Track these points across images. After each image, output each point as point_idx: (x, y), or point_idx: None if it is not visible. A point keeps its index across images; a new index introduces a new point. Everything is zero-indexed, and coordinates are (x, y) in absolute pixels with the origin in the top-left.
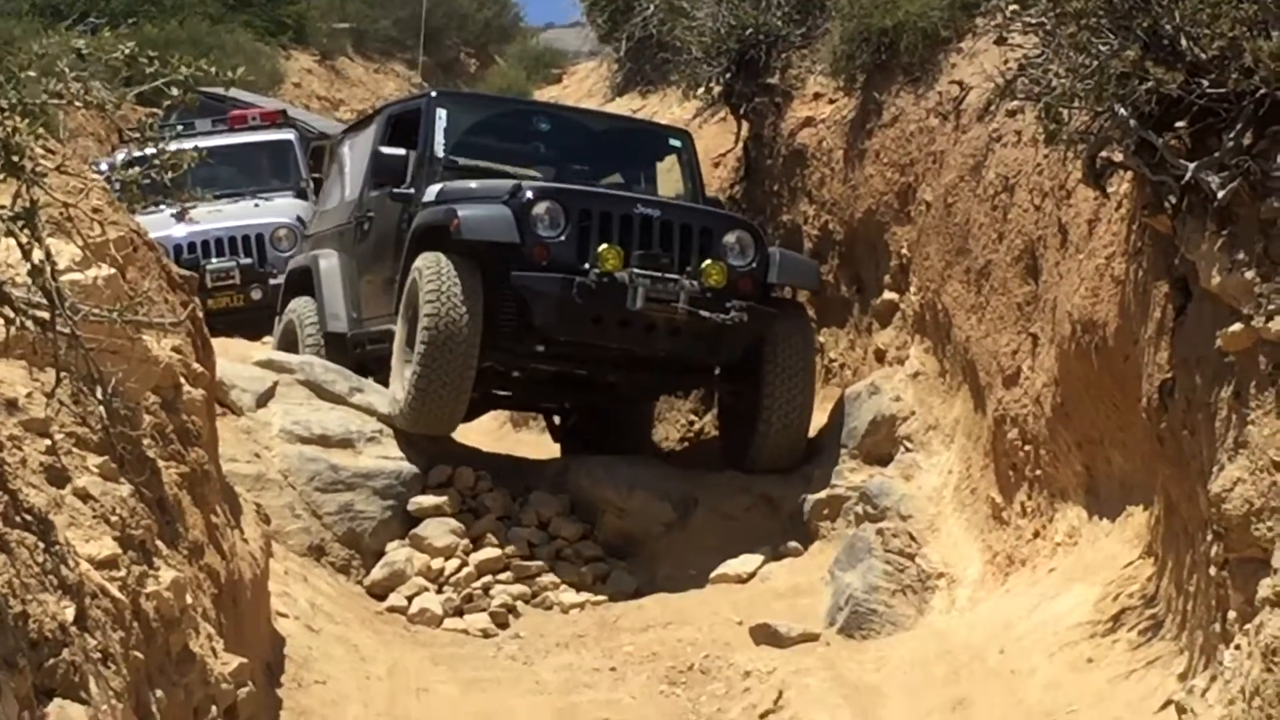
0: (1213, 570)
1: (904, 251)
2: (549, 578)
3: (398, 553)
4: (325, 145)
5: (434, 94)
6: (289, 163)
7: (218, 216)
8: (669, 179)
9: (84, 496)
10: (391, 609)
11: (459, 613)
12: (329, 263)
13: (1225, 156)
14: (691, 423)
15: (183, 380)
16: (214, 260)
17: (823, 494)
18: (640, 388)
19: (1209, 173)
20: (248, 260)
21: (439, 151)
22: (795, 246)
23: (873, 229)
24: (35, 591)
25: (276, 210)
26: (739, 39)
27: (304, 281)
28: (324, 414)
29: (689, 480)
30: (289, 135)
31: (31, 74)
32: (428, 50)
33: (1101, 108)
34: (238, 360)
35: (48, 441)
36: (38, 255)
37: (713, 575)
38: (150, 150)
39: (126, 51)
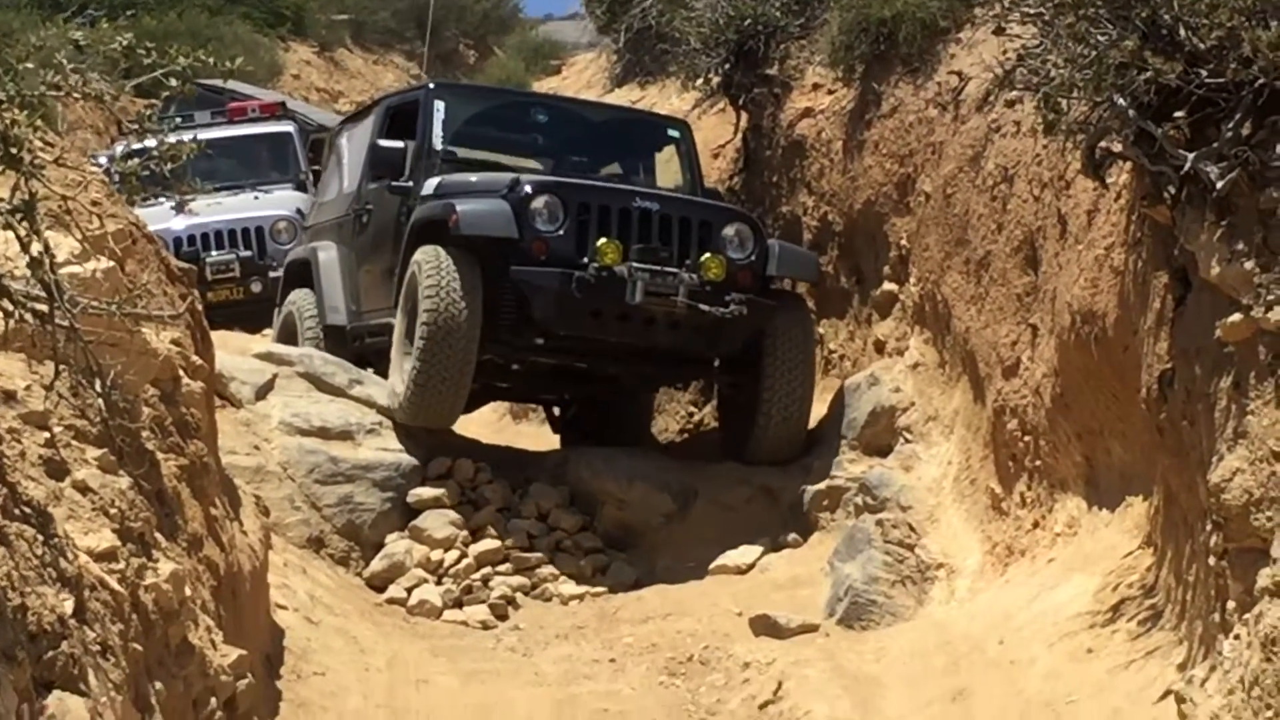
0: (1212, 560)
1: (903, 242)
2: (548, 569)
3: (397, 544)
4: (324, 137)
5: (432, 86)
6: (288, 155)
7: (217, 209)
8: (668, 170)
9: (83, 489)
10: (391, 601)
11: (458, 604)
12: (328, 255)
13: (1224, 147)
14: (691, 414)
15: (182, 373)
16: (214, 253)
17: (822, 485)
18: (640, 380)
19: (1208, 163)
20: (247, 253)
21: (437, 144)
22: (794, 238)
23: (872, 220)
24: (34, 584)
25: (276, 203)
26: (738, 30)
27: (303, 274)
28: (323, 406)
29: (689, 472)
30: (288, 127)
31: (30, 66)
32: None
33: (1100, 98)
34: (237, 353)
35: (47, 434)
36: (36, 248)
37: (712, 566)
38: (149, 142)
39: (124, 43)
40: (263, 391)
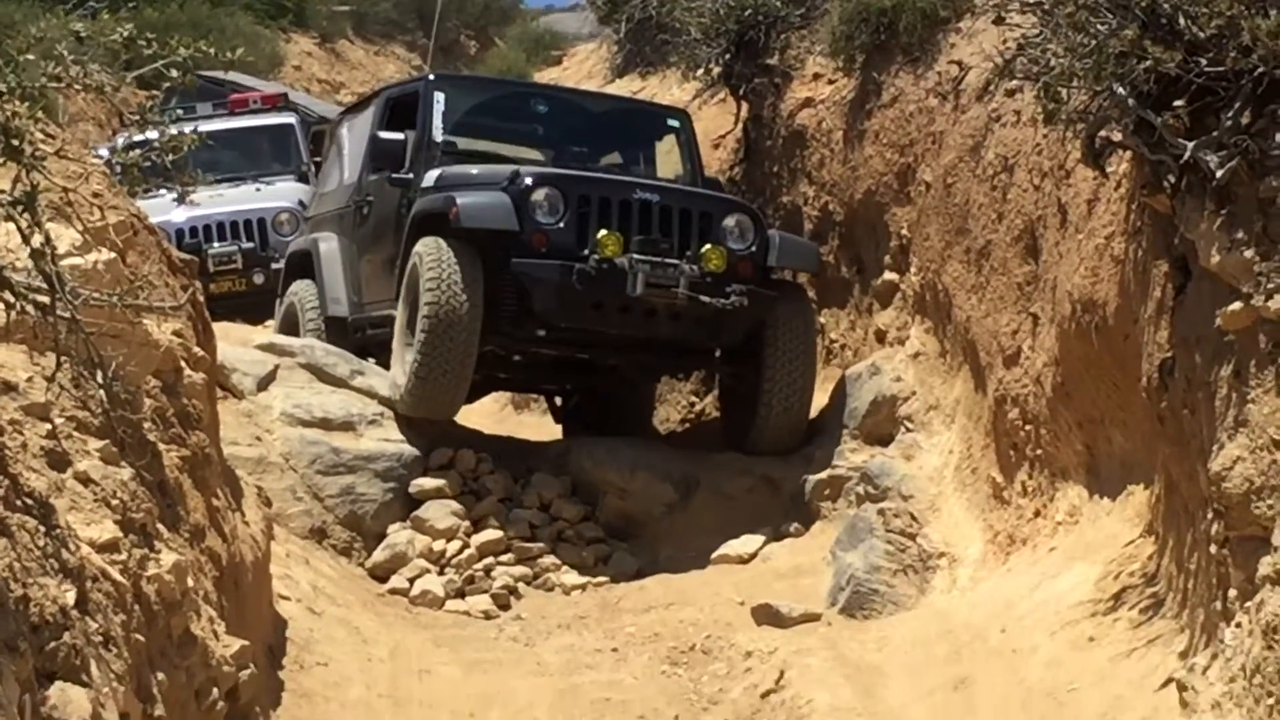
0: (1213, 548)
1: (904, 232)
2: (550, 559)
3: (399, 535)
4: (325, 129)
5: (431, 77)
6: (290, 146)
7: (219, 201)
8: (668, 160)
9: (85, 480)
10: (393, 591)
11: (460, 594)
12: (329, 246)
13: (1224, 135)
14: (693, 404)
15: (183, 364)
16: (216, 245)
17: (824, 474)
18: (641, 370)
19: (1208, 152)
20: (249, 244)
21: (437, 135)
22: (795, 228)
23: (872, 210)
24: (36, 575)
25: (278, 194)
26: (738, 20)
27: (304, 264)
28: (325, 397)
29: (690, 461)
30: (290, 119)
31: (30, 57)
32: (428, 32)
33: (1100, 87)
34: (239, 344)
35: (48, 426)
36: (38, 240)
37: (714, 556)
38: (151, 134)
39: (125, 34)
40: (264, 383)
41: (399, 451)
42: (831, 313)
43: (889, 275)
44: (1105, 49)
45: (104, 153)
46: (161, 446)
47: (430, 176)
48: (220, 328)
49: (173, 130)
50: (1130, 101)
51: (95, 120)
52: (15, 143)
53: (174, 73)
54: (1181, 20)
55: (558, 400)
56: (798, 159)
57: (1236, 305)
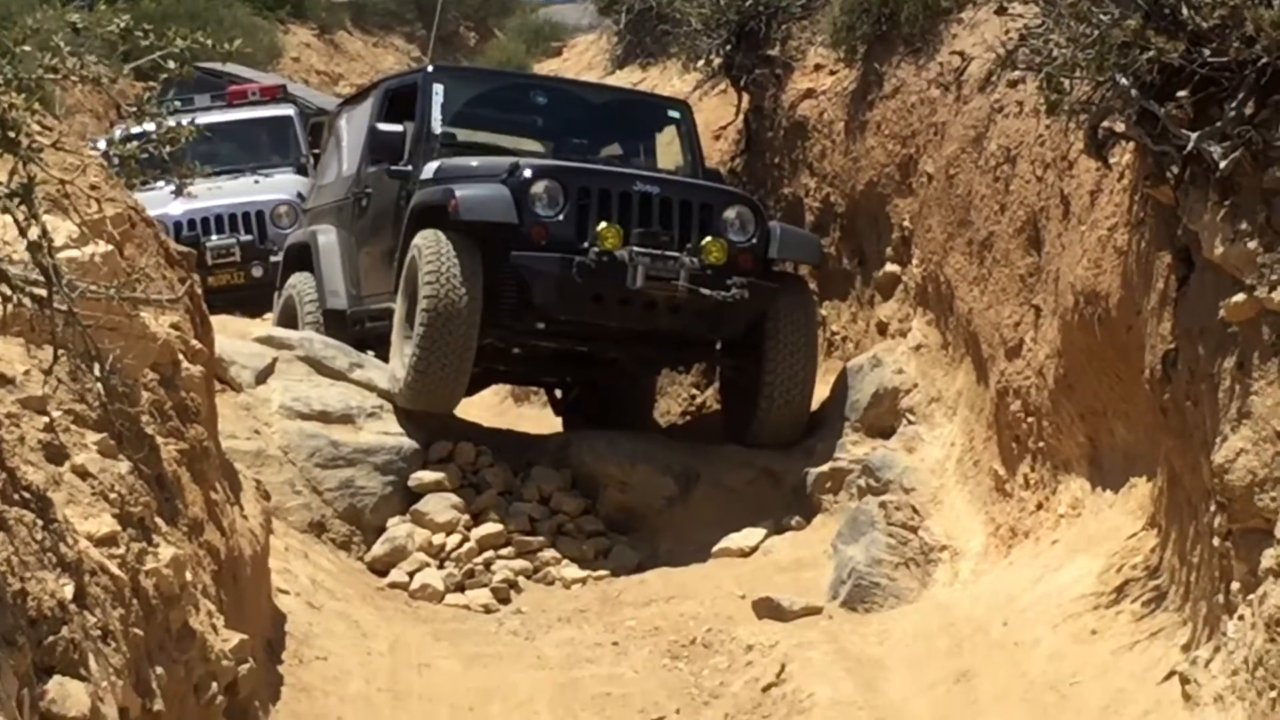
0: (1216, 541)
1: (906, 224)
2: (550, 553)
3: (399, 528)
4: (324, 120)
5: (430, 69)
6: (289, 138)
7: (218, 193)
8: (668, 151)
9: (82, 474)
10: (393, 585)
11: (460, 588)
12: (327, 239)
13: (1227, 126)
14: (693, 397)
15: (181, 357)
16: (214, 237)
17: (825, 467)
18: (641, 363)
19: (1211, 142)
20: (248, 237)
21: (436, 128)
22: (797, 219)
23: (874, 201)
24: (34, 569)
25: (277, 187)
26: (739, 10)
27: (303, 257)
28: (324, 390)
29: (691, 454)
30: (289, 111)
31: (27, 49)
32: (428, 23)
33: (1103, 78)
34: (237, 337)
35: (46, 419)
36: (34, 232)
37: (715, 549)
38: (148, 126)
39: (122, 26)
40: (263, 375)
41: (398, 445)
42: (833, 305)
43: (890, 267)
44: (1108, 39)
45: (101, 145)
46: (159, 440)
47: (429, 169)
48: (218, 320)
49: (170, 122)
50: (1133, 92)
51: (92, 112)
52: (12, 134)
53: (171, 64)
54: (1184, 10)
55: (558, 393)
56: (799, 150)
57: (1240, 297)
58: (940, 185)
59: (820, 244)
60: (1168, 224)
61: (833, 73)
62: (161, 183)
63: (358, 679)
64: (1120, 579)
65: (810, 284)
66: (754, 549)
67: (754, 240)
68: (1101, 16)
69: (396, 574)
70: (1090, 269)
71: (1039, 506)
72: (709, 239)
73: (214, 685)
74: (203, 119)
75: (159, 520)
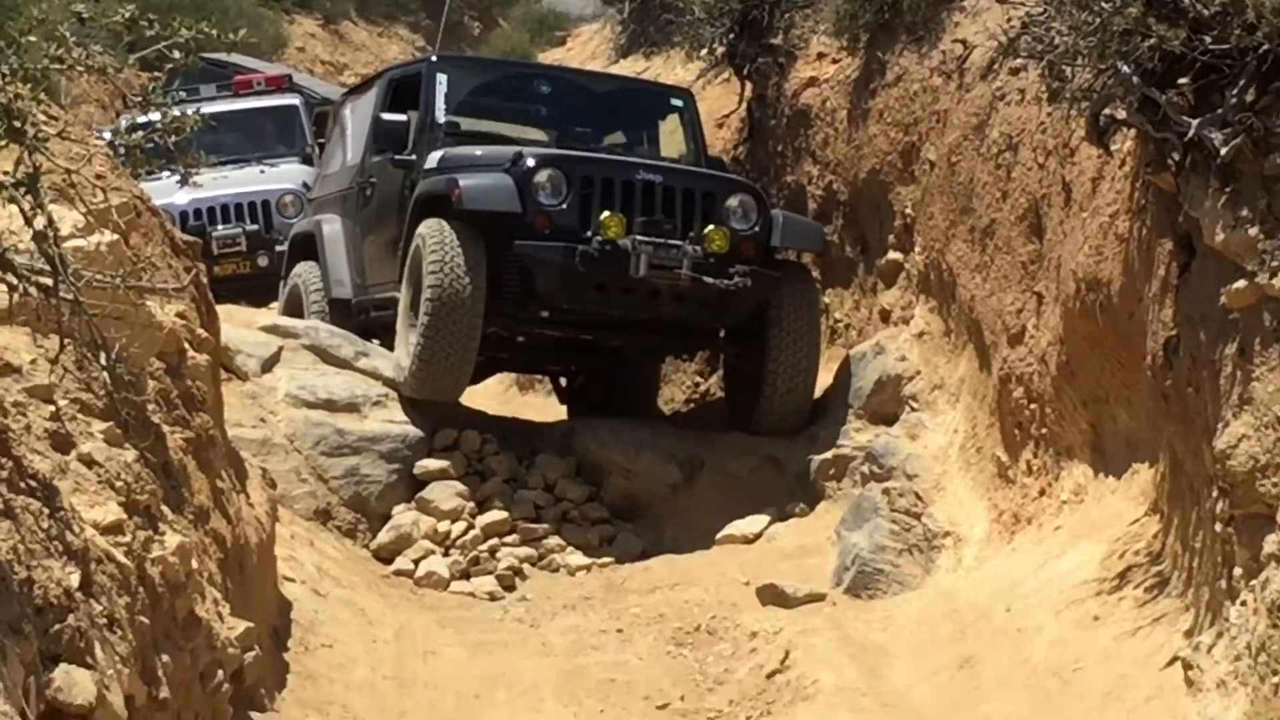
0: (1218, 527)
1: (908, 211)
2: (555, 540)
3: (404, 516)
4: (329, 110)
5: (434, 58)
6: (294, 128)
7: (223, 183)
8: (672, 140)
9: (89, 462)
10: (398, 572)
11: (465, 575)
12: (332, 228)
13: (1228, 113)
14: (697, 384)
15: (187, 345)
16: (220, 227)
17: (829, 454)
18: (645, 351)
19: (1212, 129)
20: (254, 227)
21: (440, 117)
22: (799, 207)
23: (877, 189)
24: (40, 557)
25: (282, 176)
26: None
27: (308, 246)
28: (329, 378)
29: (695, 442)
30: (294, 100)
31: (33, 39)
32: (432, 13)
33: (1104, 65)
34: (243, 326)
35: (52, 408)
36: (40, 221)
37: (719, 536)
38: (154, 115)
39: (128, 16)
40: (268, 364)
41: (403, 433)
42: (836, 292)
43: (893, 254)
44: (1109, 27)
45: (107, 134)
46: (165, 428)
47: (433, 158)
48: (224, 310)
49: (175, 112)
50: (1135, 79)
51: (98, 102)
52: (18, 124)
53: (176, 54)
54: None
55: (562, 381)
56: (802, 138)
57: (1241, 283)
58: (942, 173)
59: (823, 232)
60: (1169, 211)
61: (835, 61)
62: (167, 172)
63: (363, 666)
64: (1123, 565)
65: (813, 272)
66: (758, 536)
67: (757, 228)
68: (1103, 4)
69: (402, 561)
70: (1092, 256)
71: (1041, 493)
72: (712, 227)
73: (220, 673)
74: (208, 109)
75: (165, 508)
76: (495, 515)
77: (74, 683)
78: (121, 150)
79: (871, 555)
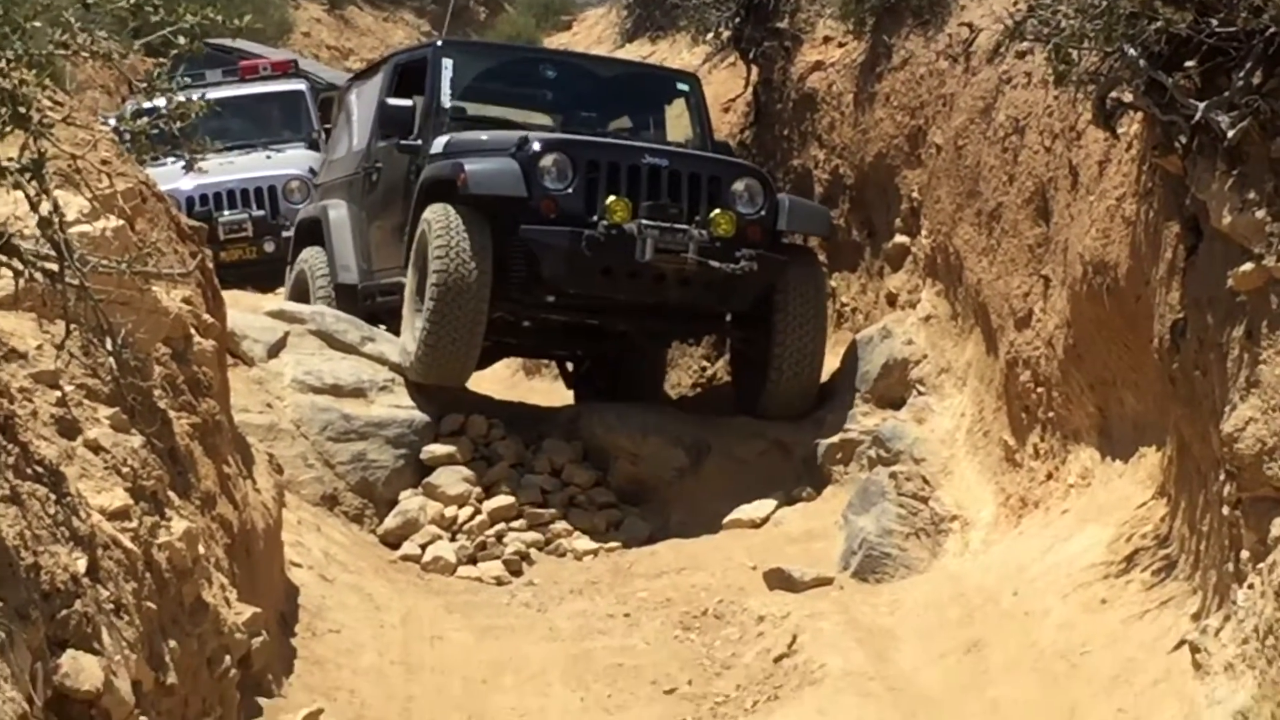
0: (1225, 510)
1: (915, 195)
2: (562, 525)
3: (411, 501)
4: (334, 96)
5: (439, 43)
6: (300, 114)
7: (229, 169)
8: (678, 124)
9: (95, 448)
10: (405, 557)
11: (472, 561)
12: (338, 213)
13: (1235, 96)
14: (704, 369)
15: (193, 331)
16: (226, 213)
17: (835, 438)
18: (651, 335)
19: (1219, 112)
20: (260, 212)
21: (445, 102)
22: (806, 191)
23: (883, 173)
24: (47, 543)
25: (288, 162)
26: None
27: (314, 232)
28: (336, 364)
29: (702, 426)
30: (300, 86)
31: (37, 24)
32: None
33: (1111, 48)
34: (249, 311)
35: (58, 393)
36: (46, 207)
37: (726, 520)
38: (159, 101)
39: (133, 1)
40: (275, 349)
41: (410, 418)
42: (842, 276)
43: (900, 238)
44: (1116, 10)
45: (112, 120)
46: (172, 414)
47: (439, 143)
48: (230, 295)
49: (181, 97)
50: (1141, 62)
51: (103, 88)
52: (23, 110)
53: (182, 40)
54: None
55: (569, 366)
56: (808, 122)
57: (1248, 266)
58: (949, 156)
59: (829, 216)
60: (1176, 194)
61: (841, 45)
62: (172, 158)
63: (370, 651)
64: (1130, 548)
65: (820, 256)
66: (765, 520)
67: (763, 212)
68: None
69: (409, 547)
70: (1099, 239)
71: (1049, 476)
72: (718, 211)
73: (227, 658)
74: (214, 94)
75: (171, 494)
76: (502, 500)
77: (81, 668)
78: (127, 136)
79: (879, 539)
